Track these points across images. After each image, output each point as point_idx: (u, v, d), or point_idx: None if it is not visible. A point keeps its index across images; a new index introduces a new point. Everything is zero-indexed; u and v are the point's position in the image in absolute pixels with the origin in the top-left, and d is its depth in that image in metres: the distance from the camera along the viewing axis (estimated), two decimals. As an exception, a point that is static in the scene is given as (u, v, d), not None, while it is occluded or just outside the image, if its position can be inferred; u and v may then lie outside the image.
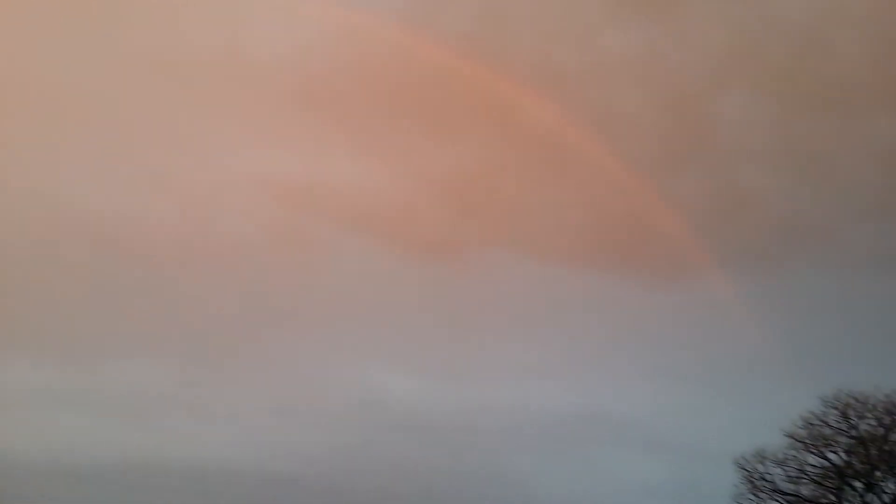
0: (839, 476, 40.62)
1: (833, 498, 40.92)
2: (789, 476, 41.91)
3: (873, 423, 40.51)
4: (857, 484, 40.61)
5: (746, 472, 42.94)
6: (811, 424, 41.50)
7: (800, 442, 41.67)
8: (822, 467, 41.23)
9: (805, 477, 41.59)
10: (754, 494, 42.52)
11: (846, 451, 40.73)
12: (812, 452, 41.43)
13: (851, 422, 40.72)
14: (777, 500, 42.18)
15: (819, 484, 41.36)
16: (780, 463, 42.06)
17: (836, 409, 41.03)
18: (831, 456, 41.09)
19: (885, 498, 40.11)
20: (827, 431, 41.20)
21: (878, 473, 40.04)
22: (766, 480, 42.29)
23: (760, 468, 42.51)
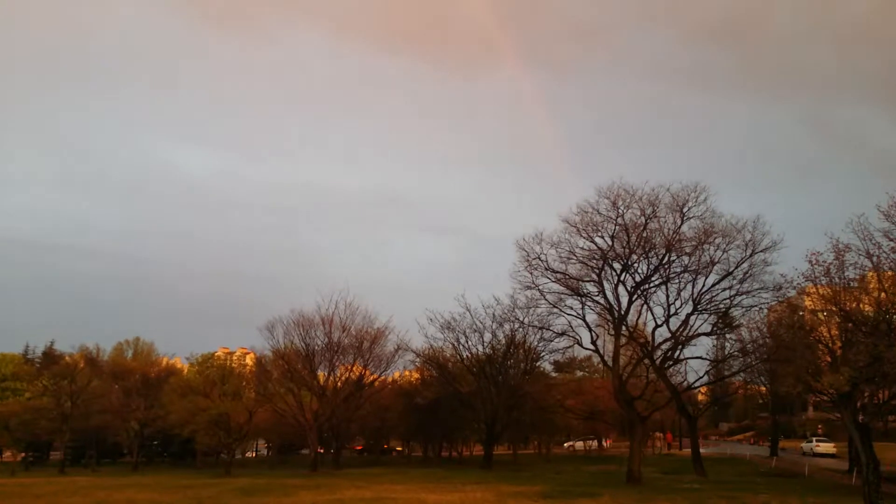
0: (602, 258, 44.81)
1: (595, 277, 45.49)
2: (561, 257, 45.68)
3: (637, 212, 43.98)
4: (616, 265, 45.29)
5: (524, 252, 46.38)
6: (585, 212, 44.54)
7: (573, 227, 44.84)
8: (589, 250, 45.02)
9: (574, 258, 45.46)
10: (529, 271, 46.39)
11: (611, 237, 44.46)
12: (582, 237, 44.90)
13: (619, 211, 43.97)
14: (548, 277, 46.29)
15: (585, 264, 45.51)
16: (555, 245, 45.53)
17: (607, 198, 44.00)
18: (598, 240, 44.78)
19: (637, 277, 45.40)
20: (597, 218, 44.35)
21: (634, 257, 44.61)
22: (541, 259, 45.97)
23: (537, 249, 45.97)
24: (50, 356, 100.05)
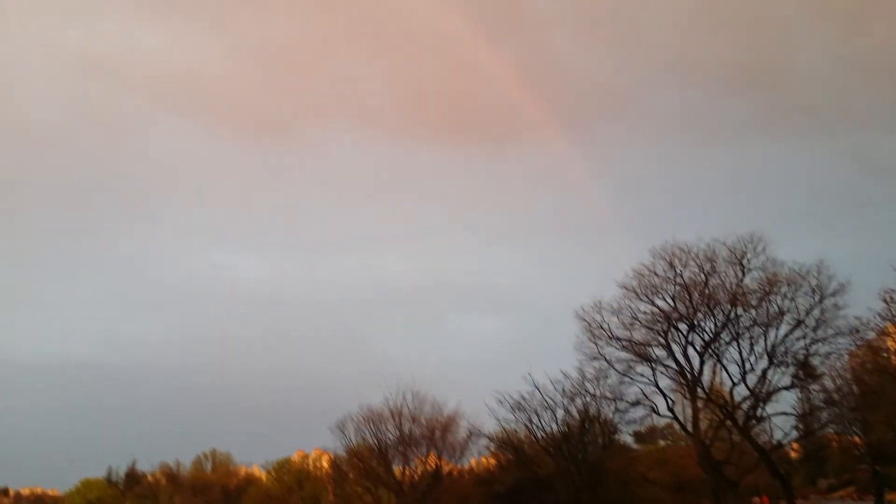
0: (667, 320, 43.94)
1: (662, 340, 44.51)
2: (624, 323, 45.03)
3: (695, 270, 43.38)
4: (682, 326, 44.29)
5: (585, 323, 45.84)
6: (642, 275, 44.16)
7: (632, 291, 44.38)
8: (652, 313, 44.32)
9: (637, 322, 44.75)
10: (593, 342, 45.67)
11: (672, 298, 43.79)
12: (643, 300, 44.36)
13: (677, 270, 43.51)
14: (613, 346, 45.48)
15: (649, 328, 44.68)
16: (616, 312, 44.99)
17: (663, 259, 43.63)
18: (659, 302, 44.17)
19: (705, 336, 44.21)
20: (655, 280, 43.97)
21: (699, 315, 43.63)
22: (604, 328, 45.32)
23: (598, 317, 45.41)
24: (132, 477, 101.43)
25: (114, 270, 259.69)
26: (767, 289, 42.38)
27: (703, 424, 47.62)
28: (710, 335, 43.94)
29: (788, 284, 42.04)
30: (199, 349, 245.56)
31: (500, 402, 61.20)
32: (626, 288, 44.44)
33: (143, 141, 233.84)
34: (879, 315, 32.44)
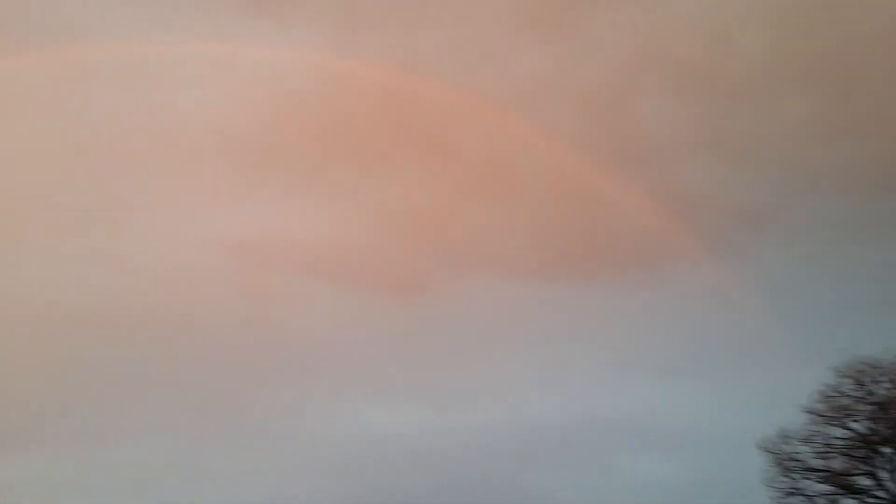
0: (866, 444, 40.02)
1: (865, 467, 40.35)
2: (817, 452, 41.30)
3: (888, 385, 39.93)
4: (885, 449, 40.10)
5: (774, 455, 42.29)
6: (829, 397, 40.95)
7: (820, 416, 41.04)
8: (848, 438, 40.60)
9: (833, 450, 40.97)
10: (786, 476, 41.85)
11: (868, 418, 40.16)
12: (835, 425, 40.85)
13: (868, 388, 40.15)
14: (810, 479, 41.50)
15: (848, 455, 40.77)
16: (806, 440, 41.42)
17: (849, 377, 40.46)
18: (854, 425, 40.51)
19: (916, 458, 39.79)
20: (845, 401, 40.60)
21: (903, 435, 39.62)
22: (796, 460, 41.66)
23: (787, 448, 41.88)
24: None
25: (271, 438, 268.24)
26: (975, 399, 38.23)
27: (931, 560, 41.90)
28: (922, 457, 39.55)
29: None
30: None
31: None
32: (812, 413, 41.18)
33: (289, 310, 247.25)
34: None
